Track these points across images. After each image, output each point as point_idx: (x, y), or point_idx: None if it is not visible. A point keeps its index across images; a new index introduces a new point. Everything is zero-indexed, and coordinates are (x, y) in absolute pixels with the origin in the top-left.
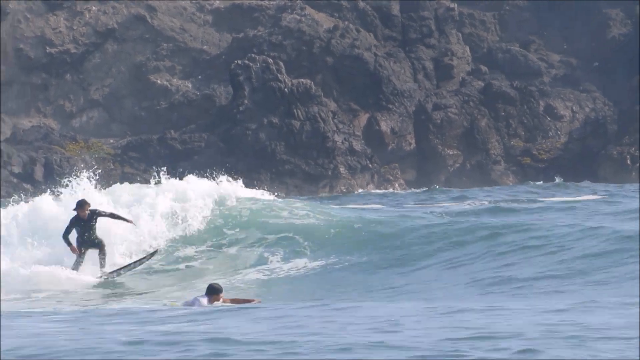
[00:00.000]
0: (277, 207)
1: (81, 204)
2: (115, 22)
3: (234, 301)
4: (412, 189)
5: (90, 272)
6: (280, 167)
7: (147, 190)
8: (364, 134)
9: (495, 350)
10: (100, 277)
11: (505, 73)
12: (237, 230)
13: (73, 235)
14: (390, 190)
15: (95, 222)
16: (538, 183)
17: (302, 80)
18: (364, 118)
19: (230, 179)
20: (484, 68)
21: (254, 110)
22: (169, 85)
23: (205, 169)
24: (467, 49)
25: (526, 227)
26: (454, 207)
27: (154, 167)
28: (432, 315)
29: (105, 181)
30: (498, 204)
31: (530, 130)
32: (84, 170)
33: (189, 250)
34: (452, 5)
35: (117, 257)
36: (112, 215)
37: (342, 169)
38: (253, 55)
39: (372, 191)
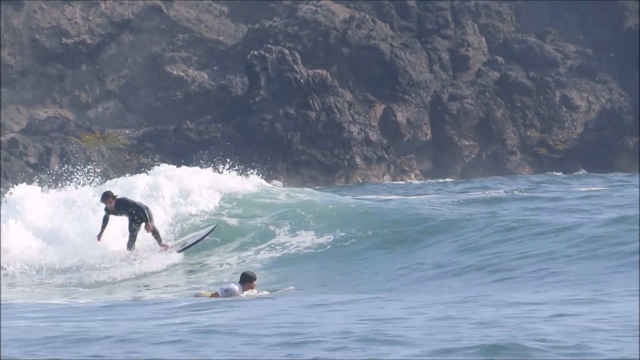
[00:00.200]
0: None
1: (103, 196)
2: (131, 13)
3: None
4: (428, 180)
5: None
6: (296, 157)
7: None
8: (380, 125)
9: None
10: (164, 250)
11: (521, 64)
12: (240, 208)
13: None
14: (407, 181)
15: (126, 212)
16: (558, 174)
17: (318, 70)
18: (380, 109)
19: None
20: (500, 59)
21: (270, 101)
22: (185, 76)
23: (220, 160)
24: (483, 39)
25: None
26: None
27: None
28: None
29: (121, 172)
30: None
31: (546, 120)
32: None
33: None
34: None
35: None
36: (131, 215)
37: (358, 160)
38: (269, 46)
39: (387, 182)
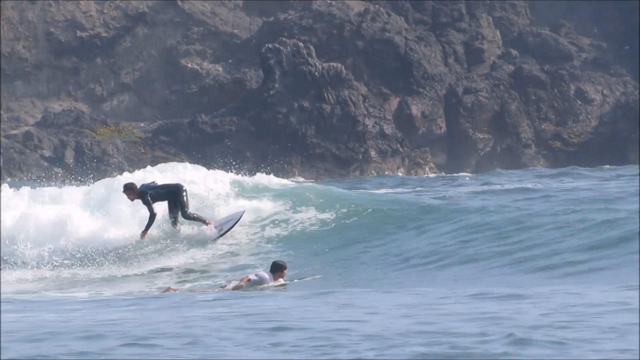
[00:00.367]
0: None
1: (124, 188)
2: (145, 6)
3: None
4: (443, 173)
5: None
6: (310, 150)
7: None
8: (395, 118)
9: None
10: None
11: (536, 57)
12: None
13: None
14: (422, 174)
15: (153, 199)
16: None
17: (333, 64)
18: (394, 102)
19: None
20: (514, 52)
21: (285, 94)
22: (200, 69)
23: (235, 153)
24: (498, 32)
25: None
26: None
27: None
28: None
29: (135, 165)
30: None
31: (560, 114)
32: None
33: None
34: None
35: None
36: (147, 203)
37: (372, 153)
38: (284, 39)
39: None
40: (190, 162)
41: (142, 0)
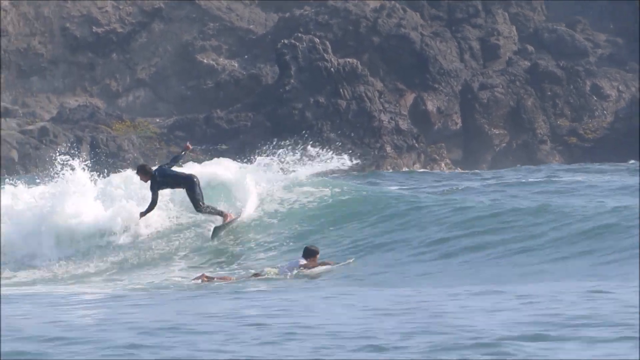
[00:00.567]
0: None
1: (137, 170)
2: (161, 2)
3: (325, 264)
4: (459, 169)
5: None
6: (326, 146)
7: None
8: (410, 114)
9: None
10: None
11: (552, 53)
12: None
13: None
14: (437, 170)
15: (160, 186)
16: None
17: (349, 59)
18: (410, 97)
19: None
20: (530, 48)
21: (301, 90)
22: (216, 65)
23: (251, 149)
24: (514, 28)
25: None
26: None
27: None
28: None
29: (151, 161)
30: None
31: (576, 109)
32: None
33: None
34: None
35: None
36: (152, 189)
37: (388, 149)
38: (299, 34)
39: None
40: (207, 159)
41: None
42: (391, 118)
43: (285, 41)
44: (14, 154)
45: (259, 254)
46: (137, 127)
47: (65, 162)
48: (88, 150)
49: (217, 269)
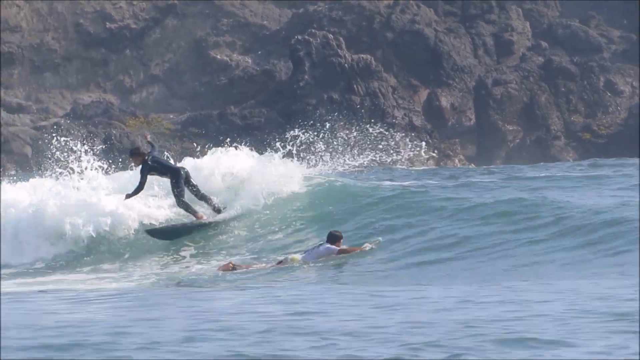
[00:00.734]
0: None
1: (130, 153)
2: None
3: (348, 250)
4: (472, 165)
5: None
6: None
7: None
8: (424, 110)
9: None
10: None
11: (566, 49)
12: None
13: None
14: (451, 166)
15: (155, 169)
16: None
17: (362, 55)
18: (424, 93)
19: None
20: (544, 44)
21: (314, 86)
22: (229, 61)
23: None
24: (528, 24)
25: None
26: None
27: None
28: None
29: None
30: None
31: (590, 105)
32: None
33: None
34: None
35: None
36: (142, 173)
37: (401, 144)
38: (313, 30)
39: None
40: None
41: None
42: (405, 114)
43: (299, 37)
44: (28, 150)
45: (277, 242)
46: (150, 123)
47: (77, 159)
48: (101, 147)
49: (240, 257)
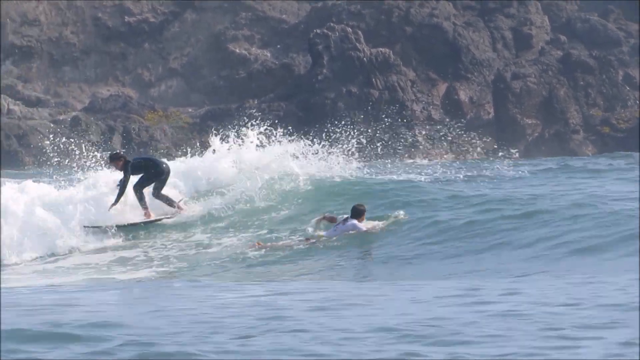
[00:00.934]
0: None
1: (109, 159)
2: None
3: (373, 228)
4: (491, 159)
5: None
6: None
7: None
8: (443, 103)
9: None
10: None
11: (584, 42)
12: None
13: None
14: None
15: (133, 172)
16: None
17: (381, 49)
18: (442, 87)
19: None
20: (562, 37)
21: (333, 80)
22: (248, 55)
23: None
24: (546, 18)
25: None
26: None
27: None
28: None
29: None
30: None
31: (609, 99)
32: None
33: None
34: None
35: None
36: (125, 172)
37: (420, 138)
38: (332, 24)
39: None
40: None
41: None
42: (423, 108)
43: (318, 31)
44: (46, 144)
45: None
46: (169, 117)
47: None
48: (120, 140)
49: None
